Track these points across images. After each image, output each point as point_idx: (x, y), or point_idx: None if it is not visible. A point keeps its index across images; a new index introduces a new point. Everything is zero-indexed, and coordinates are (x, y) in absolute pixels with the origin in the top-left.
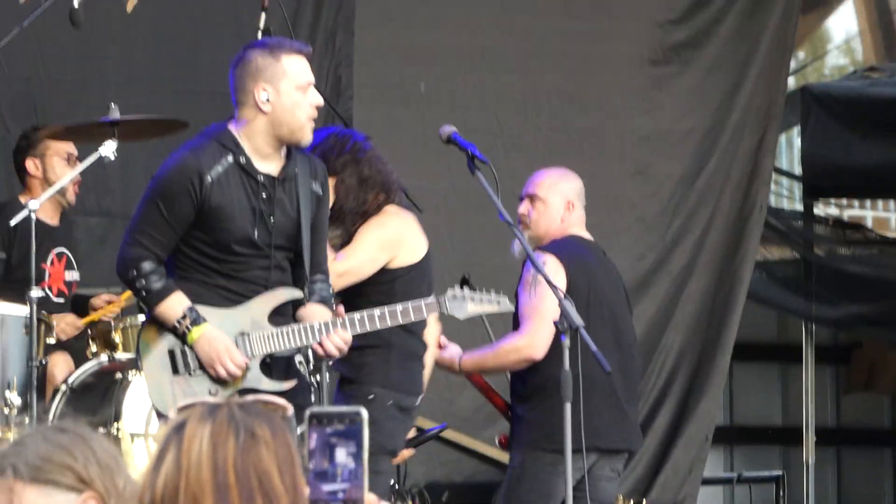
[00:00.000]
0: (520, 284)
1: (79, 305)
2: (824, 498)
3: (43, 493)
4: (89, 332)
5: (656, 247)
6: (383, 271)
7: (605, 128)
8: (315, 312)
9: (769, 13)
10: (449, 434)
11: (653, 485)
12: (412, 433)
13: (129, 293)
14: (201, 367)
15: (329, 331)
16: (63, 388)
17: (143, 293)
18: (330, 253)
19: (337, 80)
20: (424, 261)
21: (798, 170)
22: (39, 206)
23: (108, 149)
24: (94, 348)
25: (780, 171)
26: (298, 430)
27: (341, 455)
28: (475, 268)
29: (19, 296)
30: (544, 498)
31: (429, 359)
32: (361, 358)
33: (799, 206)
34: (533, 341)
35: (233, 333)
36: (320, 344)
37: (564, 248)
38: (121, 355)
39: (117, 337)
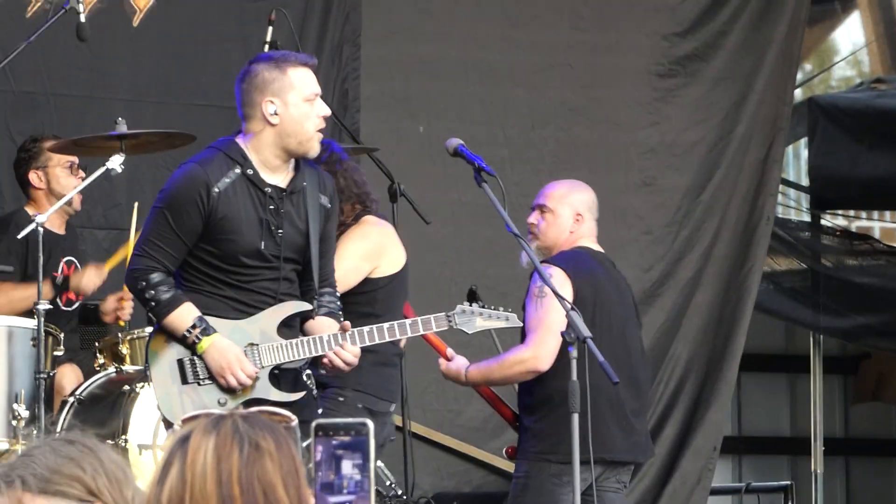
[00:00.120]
0: (527, 296)
1: (88, 315)
2: None
3: None
4: (97, 344)
5: (663, 258)
6: (366, 281)
7: (611, 140)
8: (323, 325)
9: (775, 25)
10: (457, 445)
11: (661, 495)
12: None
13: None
14: (210, 376)
15: (337, 343)
16: (71, 399)
17: (153, 304)
18: None
19: (343, 94)
20: (404, 271)
21: (805, 181)
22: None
23: (115, 162)
24: (101, 360)
25: (787, 183)
26: (304, 444)
27: (347, 467)
28: (482, 280)
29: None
30: None
31: None
32: None
33: (806, 217)
34: (538, 353)
35: (242, 344)
36: (329, 359)
37: (571, 260)
38: (128, 367)
39: (125, 349)
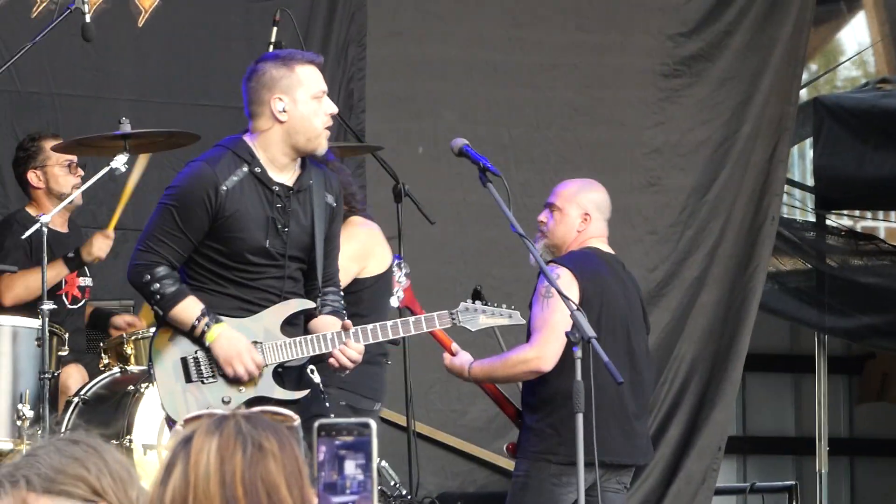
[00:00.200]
0: (534, 295)
1: (100, 321)
2: None
3: None
4: (101, 345)
5: (668, 258)
6: (353, 282)
7: (616, 140)
8: (327, 324)
9: (781, 25)
10: (461, 445)
11: (665, 495)
12: None
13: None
14: (214, 375)
15: (341, 341)
16: (75, 400)
17: (158, 297)
18: None
19: (349, 94)
20: (389, 271)
21: (810, 181)
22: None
23: (120, 162)
24: (106, 360)
25: (792, 183)
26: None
27: (350, 467)
28: (487, 280)
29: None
30: None
31: None
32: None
33: (811, 217)
34: (542, 353)
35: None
36: (335, 357)
37: (579, 261)
38: (133, 368)
39: (129, 349)
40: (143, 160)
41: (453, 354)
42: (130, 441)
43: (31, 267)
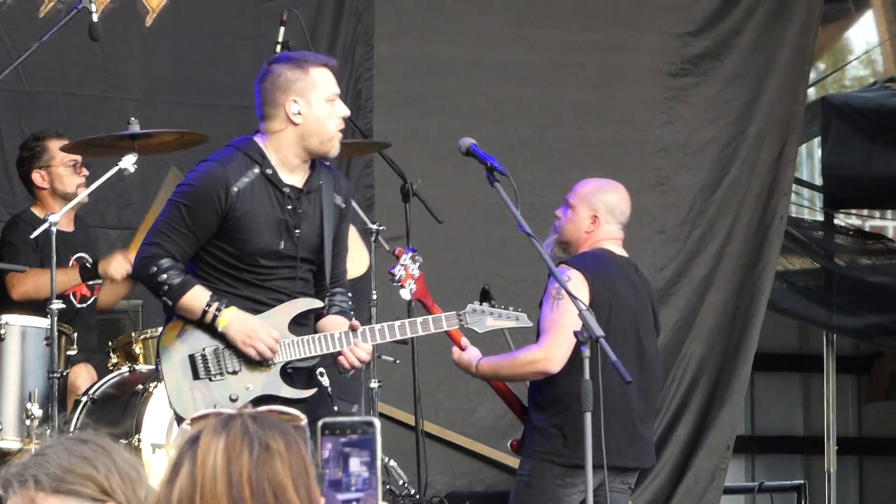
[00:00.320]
0: (544, 295)
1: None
2: None
3: (64, 503)
4: (110, 344)
5: (676, 257)
6: None
7: (624, 139)
8: (335, 323)
9: (788, 24)
10: (469, 444)
11: (674, 494)
12: None
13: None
14: (221, 372)
15: (349, 341)
16: (84, 399)
17: (166, 287)
18: None
19: (357, 94)
20: (369, 272)
21: (819, 180)
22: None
23: (128, 162)
24: (114, 360)
25: (800, 182)
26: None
27: (355, 464)
28: (495, 279)
29: (40, 308)
30: None
31: None
32: None
33: (820, 217)
34: (550, 354)
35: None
36: (344, 356)
37: (589, 262)
38: (142, 367)
39: (138, 348)
40: (172, 178)
41: (462, 349)
42: (139, 440)
43: (40, 266)
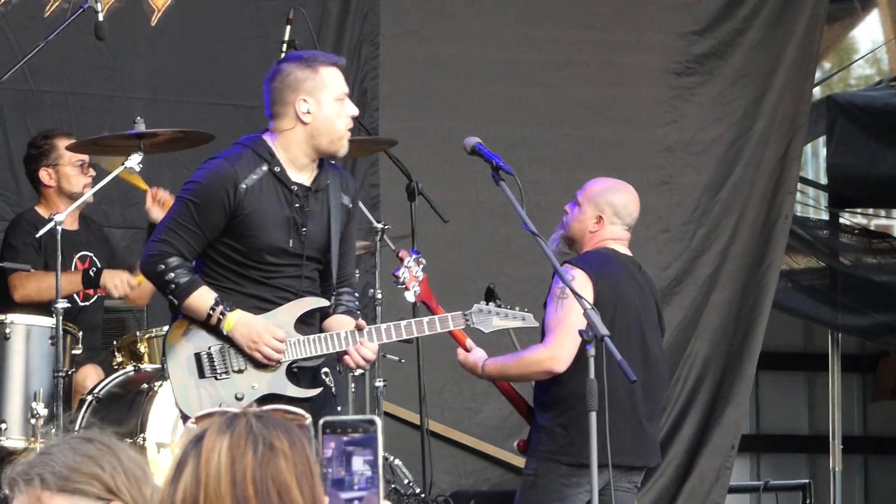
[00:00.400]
0: (549, 295)
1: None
2: None
3: (70, 502)
4: (115, 343)
5: (681, 256)
6: None
7: (629, 138)
8: (341, 323)
9: (794, 23)
10: (474, 443)
11: (679, 493)
12: None
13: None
14: (227, 371)
15: (355, 340)
16: (89, 398)
17: (172, 286)
18: None
19: (362, 93)
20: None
21: (824, 179)
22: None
23: (134, 161)
24: (119, 359)
25: (805, 181)
26: None
27: (358, 463)
28: (500, 278)
29: (45, 307)
30: None
31: None
32: None
33: (825, 216)
34: (555, 354)
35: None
36: (349, 355)
37: (593, 261)
38: (147, 366)
39: (143, 347)
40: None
41: (467, 350)
42: (144, 439)
43: (42, 265)
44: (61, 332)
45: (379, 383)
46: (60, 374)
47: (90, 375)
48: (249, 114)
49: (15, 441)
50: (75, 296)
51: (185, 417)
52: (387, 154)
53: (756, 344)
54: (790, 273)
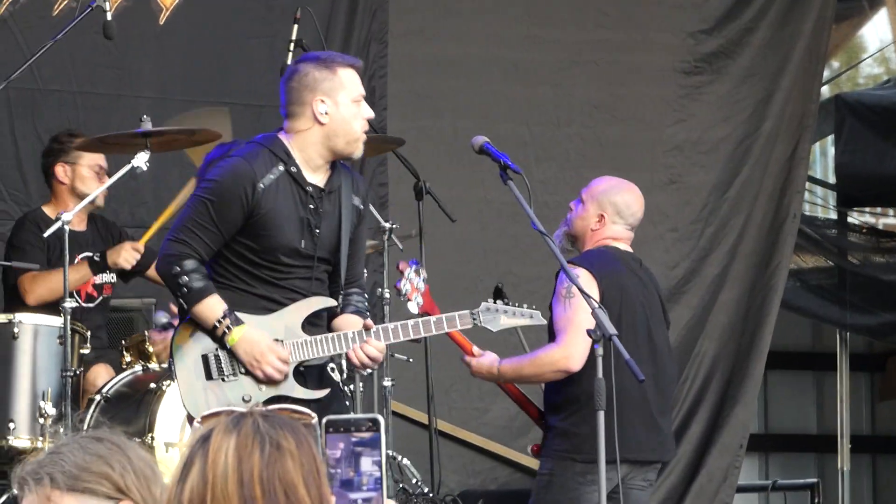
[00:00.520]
0: (554, 297)
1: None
2: None
3: (80, 501)
4: (123, 342)
5: (689, 256)
6: None
7: (636, 138)
8: (350, 322)
9: (802, 23)
10: (483, 443)
11: (687, 492)
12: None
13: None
14: (234, 373)
15: (362, 340)
16: (97, 398)
17: (185, 290)
18: None
19: (370, 92)
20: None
21: (832, 178)
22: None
23: (141, 160)
24: (128, 358)
25: (813, 180)
26: None
27: (367, 464)
28: (508, 277)
29: (52, 306)
30: None
31: None
32: None
33: (833, 215)
34: (569, 353)
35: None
36: (355, 354)
37: (596, 260)
38: (155, 365)
39: (151, 347)
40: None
41: (473, 356)
42: (152, 439)
43: (50, 265)
44: (69, 332)
45: (387, 383)
46: (69, 373)
47: (101, 374)
48: (257, 113)
49: (23, 440)
50: (77, 297)
51: (192, 419)
52: (395, 153)
53: (764, 343)
54: (798, 272)
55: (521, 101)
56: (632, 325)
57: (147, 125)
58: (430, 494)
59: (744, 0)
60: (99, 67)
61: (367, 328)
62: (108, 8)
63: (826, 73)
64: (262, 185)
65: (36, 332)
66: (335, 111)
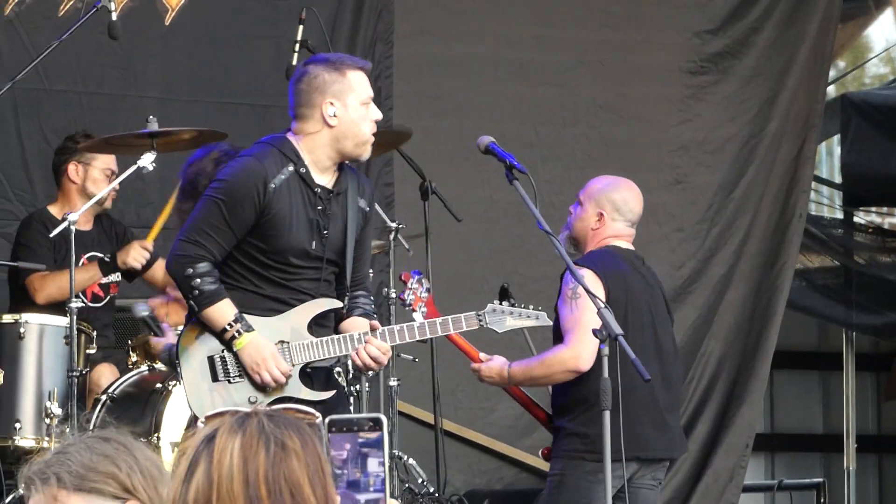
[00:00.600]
0: (559, 298)
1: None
2: None
3: (87, 501)
4: (129, 342)
5: (695, 256)
6: None
7: (642, 138)
8: (358, 325)
9: (807, 22)
10: (488, 442)
11: (693, 492)
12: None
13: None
14: (240, 374)
15: (366, 341)
16: (103, 398)
17: (196, 292)
18: None
19: (376, 92)
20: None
21: (838, 178)
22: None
23: (147, 160)
24: (134, 358)
25: (819, 180)
26: None
27: (373, 465)
28: (514, 277)
29: (59, 306)
30: None
31: None
32: None
33: (839, 214)
34: (578, 353)
35: (273, 341)
36: (357, 355)
37: (600, 260)
38: (161, 365)
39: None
40: None
41: (479, 361)
42: (159, 439)
43: (55, 265)
44: (76, 332)
45: (393, 382)
46: (75, 373)
47: (105, 374)
48: (263, 113)
49: (28, 440)
50: (84, 297)
51: (195, 420)
52: (400, 153)
53: (770, 343)
54: (804, 272)
55: (527, 101)
56: (638, 325)
57: (153, 126)
58: (436, 494)
59: (749, 0)
60: (104, 68)
61: (373, 329)
62: (113, 8)
63: (832, 73)
64: (273, 185)
65: (42, 331)
66: (344, 114)
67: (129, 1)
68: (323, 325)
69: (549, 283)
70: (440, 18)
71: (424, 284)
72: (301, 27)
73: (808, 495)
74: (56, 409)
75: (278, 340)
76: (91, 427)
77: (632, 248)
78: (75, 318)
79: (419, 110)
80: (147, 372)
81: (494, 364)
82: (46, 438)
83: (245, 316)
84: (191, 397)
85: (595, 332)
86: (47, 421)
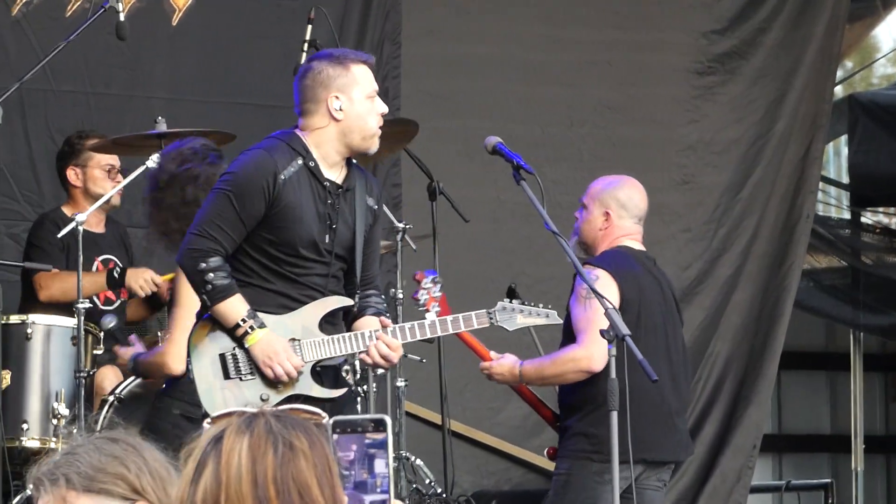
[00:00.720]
0: (572, 297)
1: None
2: None
3: (95, 502)
4: None
5: (702, 256)
6: None
7: (649, 138)
8: (371, 324)
9: (815, 23)
10: (496, 443)
11: (701, 493)
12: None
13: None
14: (252, 372)
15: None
16: (110, 399)
17: (209, 286)
18: None
19: (384, 91)
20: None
21: (845, 178)
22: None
23: (155, 161)
24: None
25: (827, 180)
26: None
27: (381, 466)
28: (521, 278)
29: (66, 307)
30: None
31: None
32: None
33: (846, 215)
34: (591, 352)
35: (284, 339)
36: (368, 353)
37: (613, 261)
38: None
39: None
40: None
41: (489, 360)
42: None
43: (66, 266)
44: (83, 333)
45: (400, 383)
46: (82, 374)
47: (108, 377)
48: (271, 113)
49: (35, 441)
50: (96, 300)
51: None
52: (408, 153)
53: (777, 344)
54: (812, 272)
55: (534, 101)
56: (651, 326)
57: (162, 127)
58: (444, 495)
59: (757, 0)
60: (112, 68)
61: (384, 326)
62: (120, 9)
63: (839, 73)
64: (283, 177)
65: (49, 332)
66: (350, 107)
67: (137, 1)
68: (333, 322)
69: (557, 283)
70: (448, 19)
71: (438, 283)
72: (309, 27)
73: (816, 496)
74: (63, 410)
75: (290, 338)
76: (98, 428)
77: (643, 248)
78: (83, 318)
79: (427, 110)
80: None
81: (506, 362)
82: (53, 439)
83: (257, 313)
84: (202, 395)
85: (602, 332)
86: (54, 422)
